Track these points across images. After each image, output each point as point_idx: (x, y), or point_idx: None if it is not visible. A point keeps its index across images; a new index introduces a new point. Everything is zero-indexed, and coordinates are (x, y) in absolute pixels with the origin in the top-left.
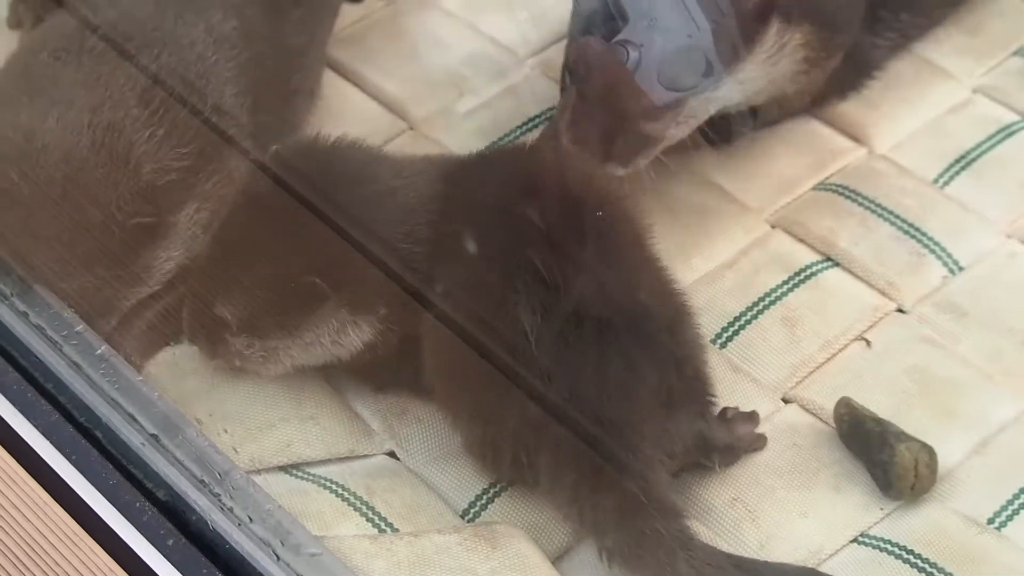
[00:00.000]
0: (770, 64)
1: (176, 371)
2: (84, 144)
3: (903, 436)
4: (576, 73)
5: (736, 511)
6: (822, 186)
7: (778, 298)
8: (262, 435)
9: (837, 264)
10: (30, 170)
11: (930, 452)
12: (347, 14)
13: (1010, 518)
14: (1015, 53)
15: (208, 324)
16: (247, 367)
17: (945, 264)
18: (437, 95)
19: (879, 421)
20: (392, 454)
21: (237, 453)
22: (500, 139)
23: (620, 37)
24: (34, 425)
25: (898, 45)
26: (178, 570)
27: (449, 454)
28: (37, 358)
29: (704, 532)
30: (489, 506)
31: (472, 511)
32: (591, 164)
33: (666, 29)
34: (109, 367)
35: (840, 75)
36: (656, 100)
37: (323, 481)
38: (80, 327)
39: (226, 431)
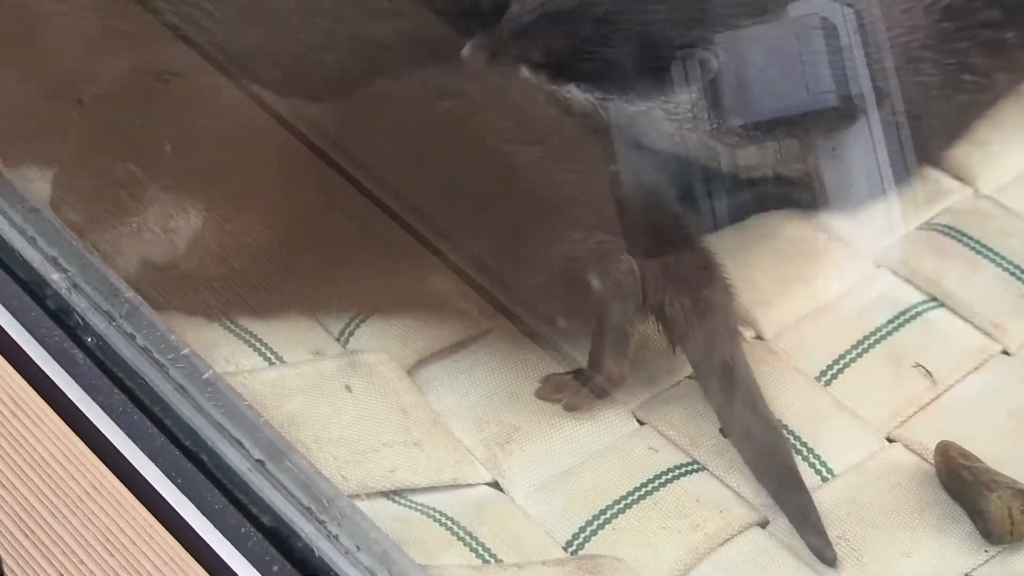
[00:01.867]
0: None
1: (281, 392)
2: None
3: (995, 484)
4: None
5: (840, 549)
6: (927, 226)
7: (883, 337)
8: (367, 460)
9: (943, 304)
10: None
11: None
12: None
13: None
14: None
15: None
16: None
17: None
18: None
19: (971, 469)
20: (495, 484)
21: (345, 480)
22: None
23: None
24: (140, 448)
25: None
26: None
27: (552, 485)
28: (143, 380)
29: (809, 571)
30: (592, 538)
31: (576, 543)
32: None
33: None
34: (215, 391)
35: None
36: None
37: (426, 510)
38: (186, 350)
39: (333, 457)
